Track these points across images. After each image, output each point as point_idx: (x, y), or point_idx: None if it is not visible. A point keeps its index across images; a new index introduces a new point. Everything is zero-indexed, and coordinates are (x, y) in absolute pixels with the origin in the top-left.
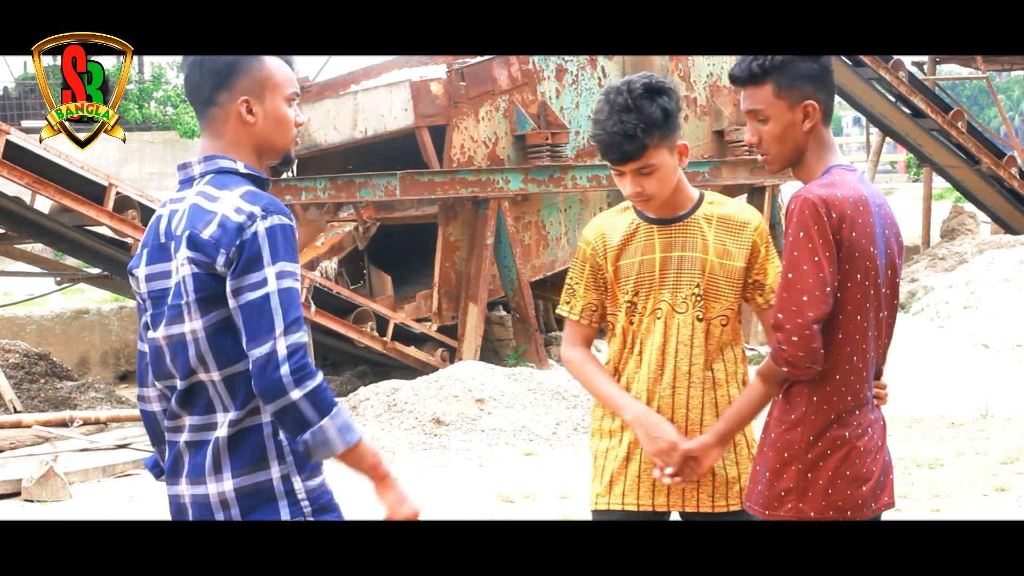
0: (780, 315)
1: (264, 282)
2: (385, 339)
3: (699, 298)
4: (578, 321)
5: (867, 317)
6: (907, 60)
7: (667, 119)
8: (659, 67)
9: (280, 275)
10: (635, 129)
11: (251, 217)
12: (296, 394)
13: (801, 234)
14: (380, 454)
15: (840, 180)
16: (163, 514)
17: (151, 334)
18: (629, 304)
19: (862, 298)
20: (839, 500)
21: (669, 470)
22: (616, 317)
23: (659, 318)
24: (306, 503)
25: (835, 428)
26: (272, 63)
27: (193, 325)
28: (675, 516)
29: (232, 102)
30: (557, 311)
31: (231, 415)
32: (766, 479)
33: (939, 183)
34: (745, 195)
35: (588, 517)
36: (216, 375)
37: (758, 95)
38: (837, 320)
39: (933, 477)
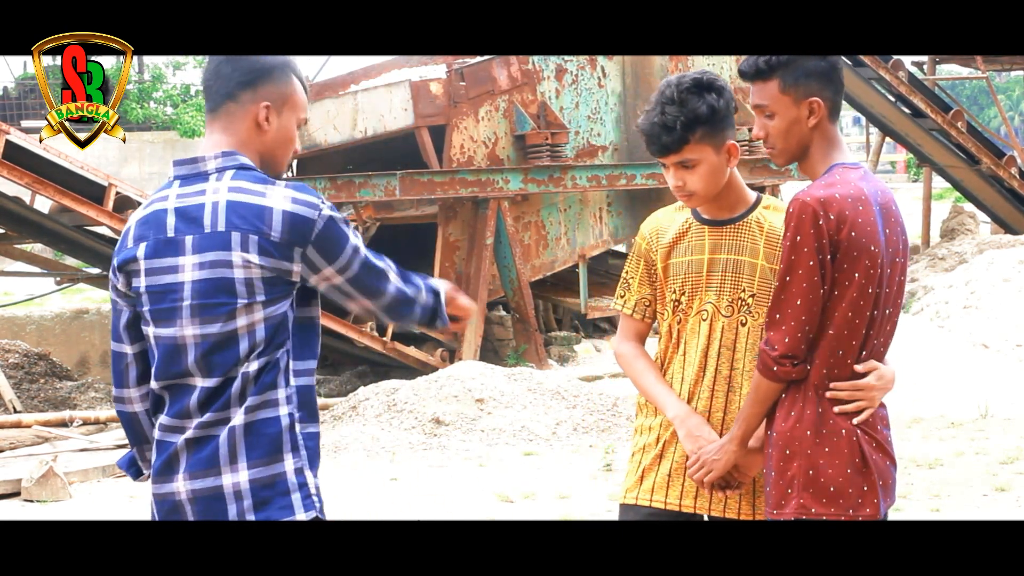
0: (777, 315)
1: (355, 251)
2: (385, 339)
3: (744, 302)
4: (631, 315)
5: (862, 315)
6: (907, 60)
7: (713, 116)
8: (659, 67)
9: (357, 246)
10: (675, 122)
11: (315, 208)
12: (422, 301)
13: (798, 238)
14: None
15: (841, 179)
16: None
17: (156, 331)
18: (675, 303)
19: (858, 296)
20: (841, 497)
21: (709, 476)
22: (664, 314)
23: (704, 319)
24: (316, 497)
25: (834, 423)
26: (298, 84)
27: (253, 318)
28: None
29: (253, 103)
30: (611, 305)
31: (248, 403)
32: (772, 478)
33: (939, 183)
34: None
35: (589, 516)
36: (255, 365)
37: (765, 91)
38: (832, 317)
39: (933, 477)
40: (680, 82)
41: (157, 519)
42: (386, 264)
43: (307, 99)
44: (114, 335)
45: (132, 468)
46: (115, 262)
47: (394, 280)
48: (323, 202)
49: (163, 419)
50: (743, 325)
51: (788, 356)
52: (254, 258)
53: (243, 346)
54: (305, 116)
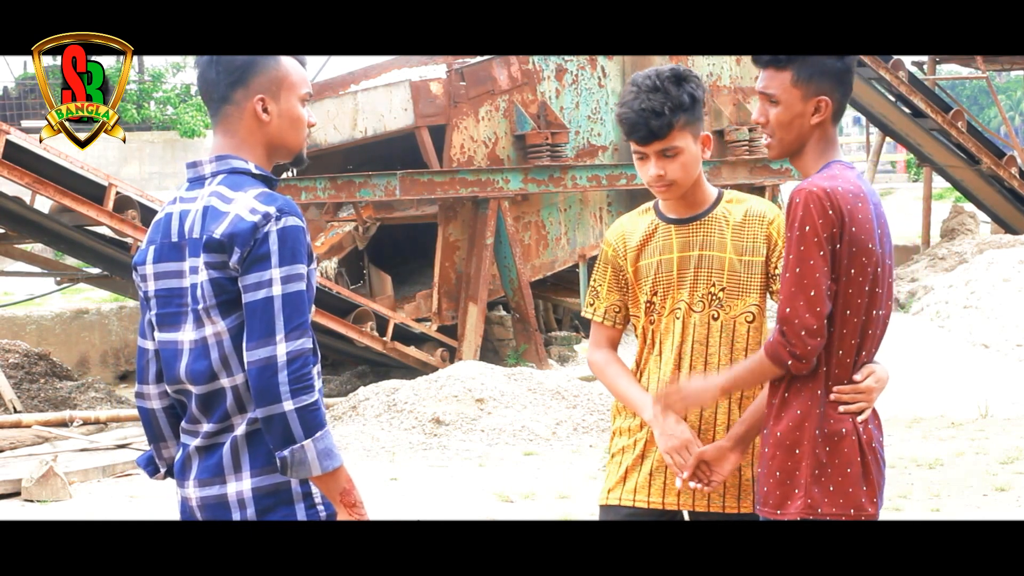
0: (788, 309)
1: (269, 283)
2: (385, 339)
3: (715, 297)
4: (602, 323)
5: (858, 313)
6: (907, 60)
7: (693, 104)
8: None
9: (287, 278)
10: (663, 107)
11: (266, 217)
12: (288, 405)
13: (807, 228)
14: (354, 483)
15: (841, 175)
16: (162, 514)
17: (159, 335)
18: (648, 304)
19: (854, 293)
20: (842, 497)
21: (685, 474)
22: (638, 318)
23: (677, 318)
24: (321, 507)
25: (835, 422)
26: (288, 63)
27: (217, 328)
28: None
29: (248, 100)
30: (582, 313)
31: (250, 414)
32: (777, 478)
33: (939, 183)
34: None
35: (588, 516)
36: (241, 377)
37: (776, 79)
38: (833, 316)
39: (933, 477)
40: (659, 73)
41: (181, 518)
42: (299, 342)
43: (304, 72)
44: (140, 330)
45: (150, 466)
46: (133, 261)
47: (282, 356)
48: (282, 217)
49: (183, 423)
50: (715, 320)
51: (808, 349)
52: (205, 258)
53: (215, 355)
54: (307, 91)
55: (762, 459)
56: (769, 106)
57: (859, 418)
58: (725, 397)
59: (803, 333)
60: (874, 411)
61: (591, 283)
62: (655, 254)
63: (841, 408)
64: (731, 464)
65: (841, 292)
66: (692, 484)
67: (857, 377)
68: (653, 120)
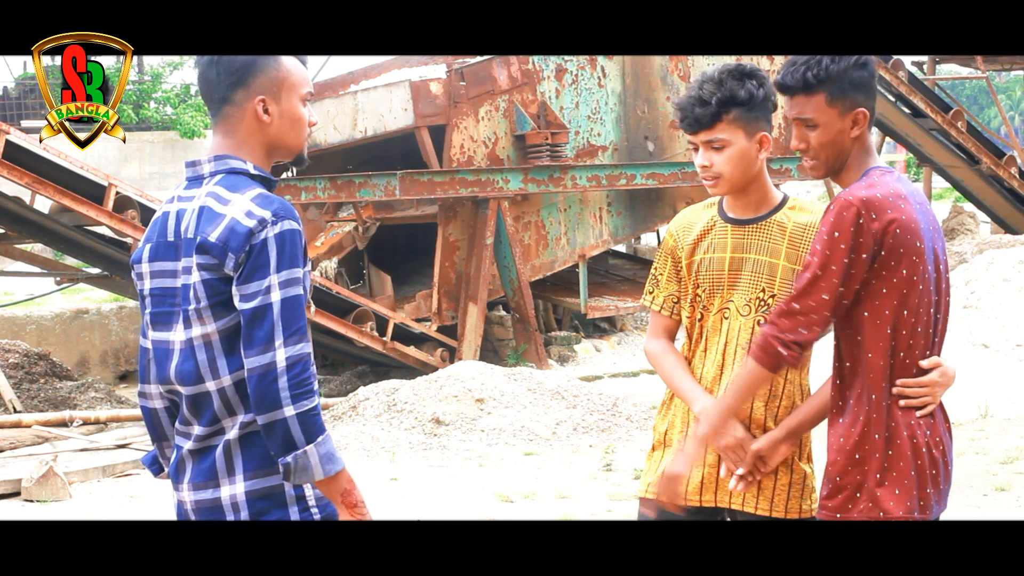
0: (796, 304)
1: (268, 289)
2: (385, 339)
3: (764, 303)
4: (660, 312)
5: (915, 312)
6: (907, 60)
7: (750, 101)
8: (659, 67)
9: (285, 283)
10: (711, 97)
11: (262, 223)
12: (289, 411)
13: (836, 234)
14: (356, 484)
15: (879, 181)
16: (163, 514)
17: (152, 334)
18: (696, 299)
19: (908, 293)
20: (908, 499)
21: (740, 471)
22: (687, 311)
23: (726, 318)
24: (315, 509)
25: (896, 425)
26: (289, 63)
27: (207, 328)
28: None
29: (248, 101)
30: (641, 301)
31: (241, 418)
32: (834, 483)
33: (939, 183)
34: None
35: (589, 516)
36: (228, 379)
37: (810, 103)
38: (885, 315)
39: None
40: (724, 67)
41: (177, 519)
42: (298, 347)
43: (305, 72)
44: (141, 329)
45: (154, 465)
46: (131, 260)
47: (281, 362)
48: (279, 222)
49: (176, 424)
50: (760, 325)
51: (802, 344)
52: (198, 259)
53: (203, 356)
54: (308, 90)
55: (827, 464)
56: (807, 131)
57: (919, 413)
58: (799, 438)
59: (802, 331)
60: (943, 411)
61: (652, 271)
62: (708, 251)
63: (903, 402)
64: (782, 455)
65: (895, 294)
66: (739, 487)
67: (924, 364)
68: (698, 108)
